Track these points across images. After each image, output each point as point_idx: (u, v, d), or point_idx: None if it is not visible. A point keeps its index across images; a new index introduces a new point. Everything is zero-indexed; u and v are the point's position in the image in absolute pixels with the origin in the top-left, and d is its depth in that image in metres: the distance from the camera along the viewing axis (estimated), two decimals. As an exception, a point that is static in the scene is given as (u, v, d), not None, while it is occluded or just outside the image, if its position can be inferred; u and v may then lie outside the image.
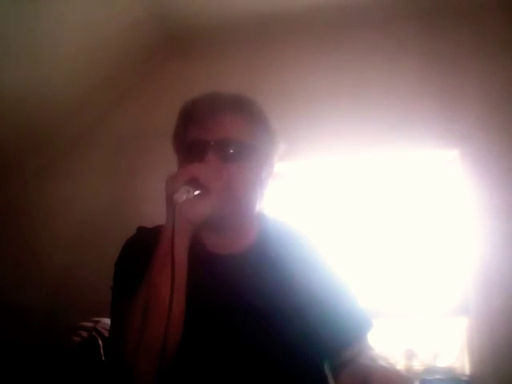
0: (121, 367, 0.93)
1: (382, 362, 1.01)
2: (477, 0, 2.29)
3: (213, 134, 1.04)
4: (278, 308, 1.02)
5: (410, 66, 2.38)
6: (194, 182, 0.94)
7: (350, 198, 2.47)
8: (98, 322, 1.85)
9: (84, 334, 1.77)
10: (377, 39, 2.45)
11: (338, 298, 1.11)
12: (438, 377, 2.05)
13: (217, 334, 0.99)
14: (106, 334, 1.78)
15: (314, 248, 1.17)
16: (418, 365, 2.19)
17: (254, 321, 1.00)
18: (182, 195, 0.91)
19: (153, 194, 1.56)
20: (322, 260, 1.15)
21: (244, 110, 1.09)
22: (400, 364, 2.18)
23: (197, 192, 0.94)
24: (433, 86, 2.35)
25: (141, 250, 1.01)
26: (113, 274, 1.09)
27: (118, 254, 1.11)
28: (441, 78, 2.35)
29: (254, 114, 1.10)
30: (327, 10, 2.35)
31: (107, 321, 1.86)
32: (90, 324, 1.84)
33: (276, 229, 1.16)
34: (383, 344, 2.21)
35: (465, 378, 2.09)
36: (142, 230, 1.16)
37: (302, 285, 1.06)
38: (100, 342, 1.75)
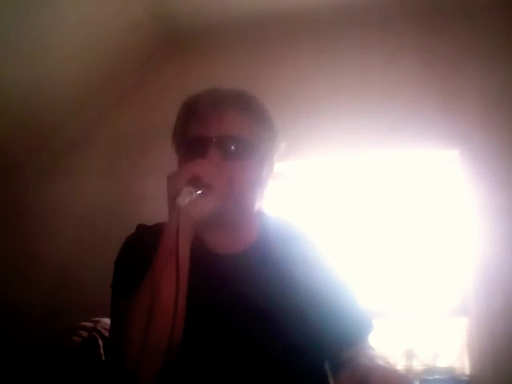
0: (122, 367, 0.92)
1: (382, 362, 1.00)
2: (477, 0, 2.29)
3: (214, 131, 1.02)
4: (279, 308, 1.01)
5: (409, 65, 2.38)
6: (196, 181, 0.93)
7: (350, 198, 2.47)
8: (98, 321, 1.85)
9: (84, 333, 1.77)
10: (377, 39, 2.45)
11: (339, 298, 1.10)
12: (437, 377, 2.05)
13: (217, 333, 0.99)
14: (106, 333, 1.78)
15: (315, 246, 1.16)
16: (417, 365, 2.19)
17: (255, 320, 0.99)
18: (185, 198, 0.90)
19: (153, 193, 1.57)
20: (323, 259, 1.14)
21: (246, 106, 1.07)
22: (400, 364, 2.18)
23: (199, 192, 0.93)
24: (433, 86, 2.35)
25: (141, 248, 1.01)
26: (113, 272, 1.08)
27: (118, 253, 1.10)
28: (441, 78, 2.35)
29: (257, 111, 1.08)
30: (327, 9, 2.35)
31: (107, 321, 1.85)
32: (90, 324, 1.84)
33: (277, 227, 1.15)
34: (383, 344, 2.21)
35: (465, 378, 2.09)
36: (141, 228, 1.15)
37: (303, 284, 1.05)
38: (100, 342, 1.75)
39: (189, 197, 0.90)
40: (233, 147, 1.02)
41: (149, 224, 1.15)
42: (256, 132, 1.07)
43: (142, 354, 0.88)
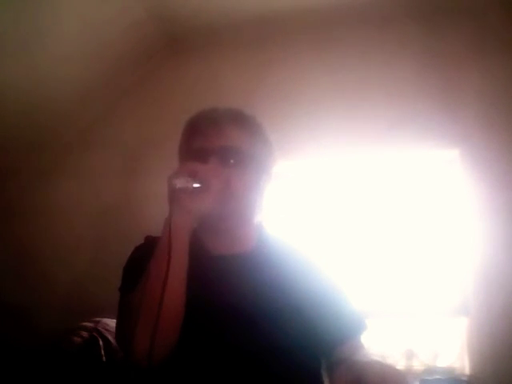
0: (125, 347, 0.98)
1: (377, 358, 1.02)
2: (477, 0, 2.29)
3: (214, 142, 1.11)
4: (274, 310, 1.04)
5: (409, 65, 2.38)
6: (195, 176, 1.00)
7: (350, 198, 2.47)
8: (98, 322, 1.86)
9: (85, 334, 1.77)
10: (377, 38, 2.45)
11: (330, 302, 1.13)
12: (437, 377, 2.05)
13: (213, 333, 1.01)
14: (107, 334, 1.79)
15: (307, 255, 1.20)
16: (418, 365, 2.18)
17: (251, 322, 1.01)
18: (182, 182, 0.98)
19: (153, 194, 1.57)
20: (315, 266, 1.18)
21: (243, 122, 1.17)
22: (400, 364, 2.18)
23: (196, 185, 1.00)
24: (433, 85, 2.34)
25: (147, 256, 1.04)
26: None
27: (127, 260, 1.15)
28: (441, 78, 2.35)
29: (253, 126, 1.19)
30: (327, 9, 2.35)
31: (108, 321, 1.86)
32: (90, 324, 1.84)
33: (273, 238, 1.21)
34: (383, 344, 2.21)
35: (465, 378, 2.09)
36: (149, 239, 1.19)
37: (298, 288, 1.09)
38: (100, 342, 1.75)
39: (185, 182, 0.98)
40: (232, 156, 1.11)
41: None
42: (252, 143, 1.16)
43: (136, 324, 0.93)
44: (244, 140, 1.15)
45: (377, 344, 2.17)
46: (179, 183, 0.98)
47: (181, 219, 0.98)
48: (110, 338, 1.77)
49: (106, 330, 1.82)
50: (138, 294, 0.97)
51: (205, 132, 1.13)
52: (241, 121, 1.17)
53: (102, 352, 1.73)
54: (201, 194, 1.01)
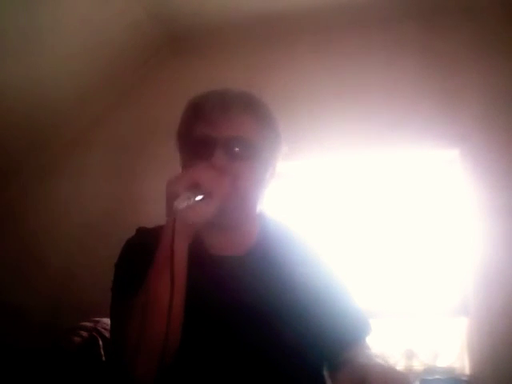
0: (121, 367, 0.93)
1: (380, 361, 1.01)
2: (477, 0, 2.29)
3: (222, 132, 1.02)
4: (277, 310, 1.02)
5: (409, 65, 2.38)
6: (196, 188, 0.93)
7: (350, 198, 2.47)
8: (98, 321, 1.85)
9: (84, 333, 1.77)
10: (377, 39, 2.45)
11: (337, 300, 1.11)
12: (437, 377, 2.05)
13: (217, 336, 0.99)
14: (107, 333, 1.78)
15: (313, 251, 1.17)
16: (418, 365, 2.18)
17: (257, 323, 1.00)
18: (183, 202, 0.90)
19: (153, 194, 1.57)
20: (321, 263, 1.15)
21: (254, 109, 1.07)
22: (400, 364, 2.18)
23: (198, 198, 0.93)
24: (433, 85, 2.35)
25: (140, 251, 1.01)
26: (113, 274, 1.09)
27: (119, 255, 1.10)
28: (441, 78, 2.35)
29: (263, 114, 1.09)
30: (327, 9, 2.35)
31: (107, 321, 1.86)
32: (90, 324, 1.84)
33: (276, 230, 1.16)
34: (383, 344, 2.21)
35: (465, 378, 2.09)
36: (141, 231, 1.15)
37: (302, 287, 1.06)
38: (100, 342, 1.75)
39: (187, 201, 0.91)
40: (239, 148, 1.02)
41: (149, 226, 1.15)
42: (262, 134, 1.07)
43: (137, 354, 0.89)
44: (253, 130, 1.04)
45: (377, 344, 2.17)
46: (180, 204, 0.89)
47: (181, 233, 0.92)
48: (110, 337, 1.77)
49: (106, 329, 1.81)
50: (136, 309, 0.92)
51: (211, 118, 1.01)
52: (253, 108, 1.06)
53: (102, 352, 1.73)
54: (203, 207, 0.94)
